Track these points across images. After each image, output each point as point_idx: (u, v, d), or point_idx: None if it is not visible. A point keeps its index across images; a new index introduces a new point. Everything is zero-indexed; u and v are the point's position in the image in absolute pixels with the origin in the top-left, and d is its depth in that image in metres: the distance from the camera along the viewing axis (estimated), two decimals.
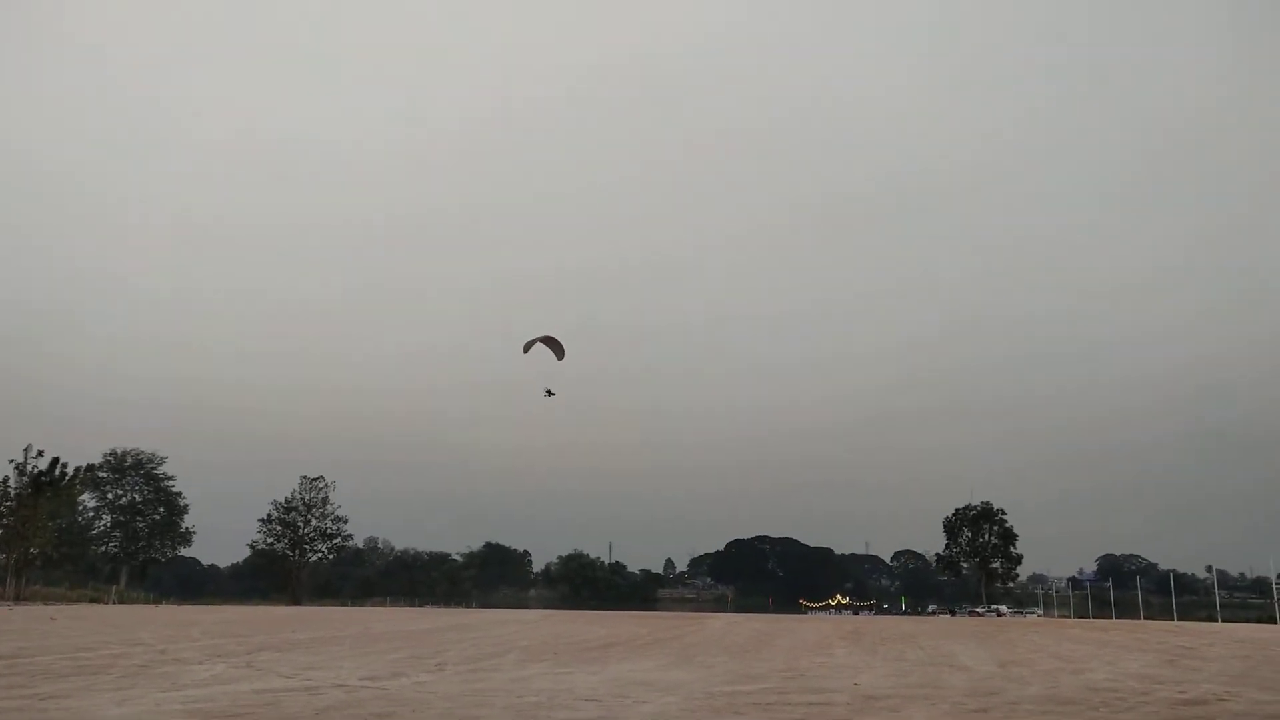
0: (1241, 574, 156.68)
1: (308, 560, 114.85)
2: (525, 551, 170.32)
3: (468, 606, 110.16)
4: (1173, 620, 77.18)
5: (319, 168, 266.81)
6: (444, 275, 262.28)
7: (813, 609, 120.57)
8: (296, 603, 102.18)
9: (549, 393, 32.36)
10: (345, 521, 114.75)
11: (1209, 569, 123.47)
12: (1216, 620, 76.29)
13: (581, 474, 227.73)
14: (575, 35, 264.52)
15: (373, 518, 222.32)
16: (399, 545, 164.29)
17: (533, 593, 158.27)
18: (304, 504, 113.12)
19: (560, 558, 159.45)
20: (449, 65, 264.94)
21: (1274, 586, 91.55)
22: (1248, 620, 78.57)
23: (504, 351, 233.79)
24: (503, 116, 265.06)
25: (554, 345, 30.60)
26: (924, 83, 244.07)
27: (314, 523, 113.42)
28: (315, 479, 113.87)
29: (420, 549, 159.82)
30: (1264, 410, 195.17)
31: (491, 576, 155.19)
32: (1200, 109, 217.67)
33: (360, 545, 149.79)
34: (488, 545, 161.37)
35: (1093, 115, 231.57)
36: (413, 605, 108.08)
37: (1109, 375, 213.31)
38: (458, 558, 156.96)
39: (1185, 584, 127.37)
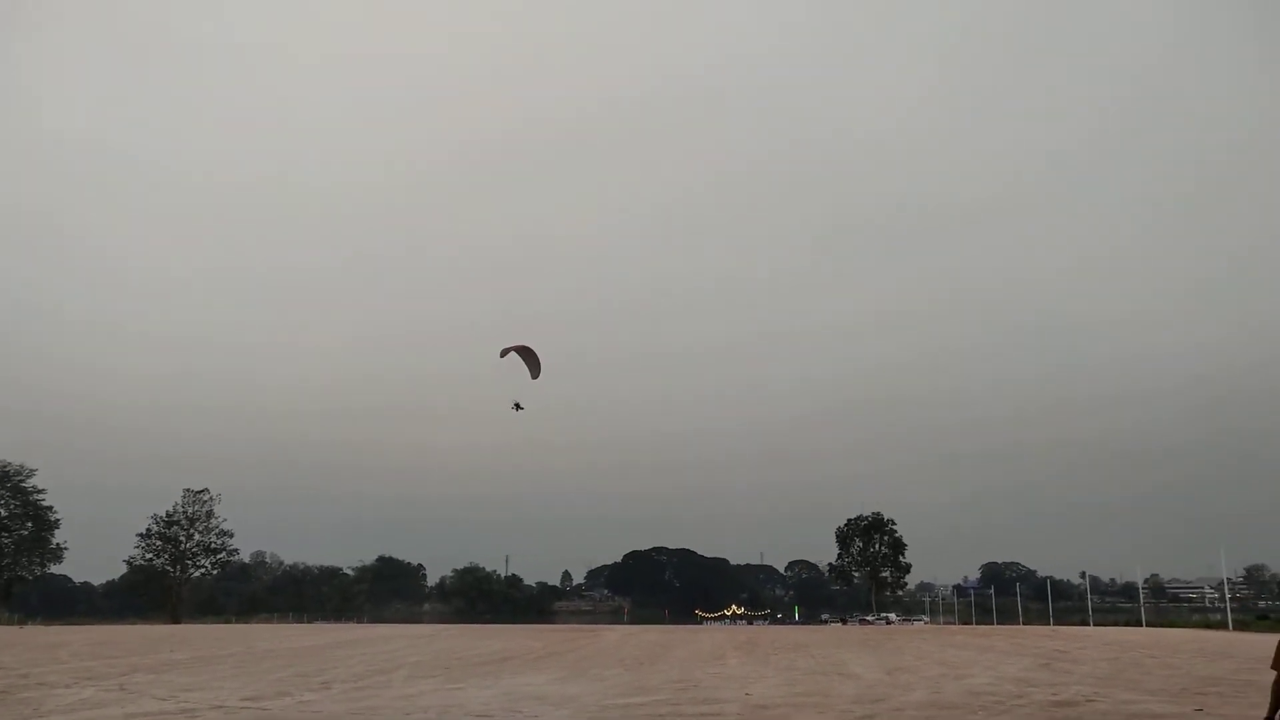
0: (1113, 579, 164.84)
1: (189, 576, 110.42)
2: (420, 565, 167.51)
3: (359, 622, 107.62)
4: (1049, 625, 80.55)
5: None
6: (333, 283, 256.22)
7: (708, 619, 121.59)
8: (176, 621, 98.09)
9: (517, 406, 31.26)
10: (231, 535, 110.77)
11: (1083, 575, 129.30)
12: (1089, 624, 79.96)
13: (478, 485, 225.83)
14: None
15: (260, 531, 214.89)
16: (288, 559, 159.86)
17: (427, 607, 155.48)
18: (187, 518, 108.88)
19: (455, 571, 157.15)
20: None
21: (1141, 591, 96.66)
22: (1117, 624, 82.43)
23: (397, 358, 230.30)
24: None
25: (530, 359, 29.58)
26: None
27: (197, 537, 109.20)
28: (199, 492, 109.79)
29: (310, 563, 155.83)
30: (1138, 425, 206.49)
31: (384, 591, 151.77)
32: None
33: (246, 560, 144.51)
34: (381, 558, 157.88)
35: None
36: (301, 621, 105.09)
37: (989, 385, 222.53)
38: (349, 572, 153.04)
39: (1061, 590, 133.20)
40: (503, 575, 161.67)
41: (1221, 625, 64.63)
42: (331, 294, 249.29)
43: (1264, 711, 6.37)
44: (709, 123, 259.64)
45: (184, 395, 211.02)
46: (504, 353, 29.11)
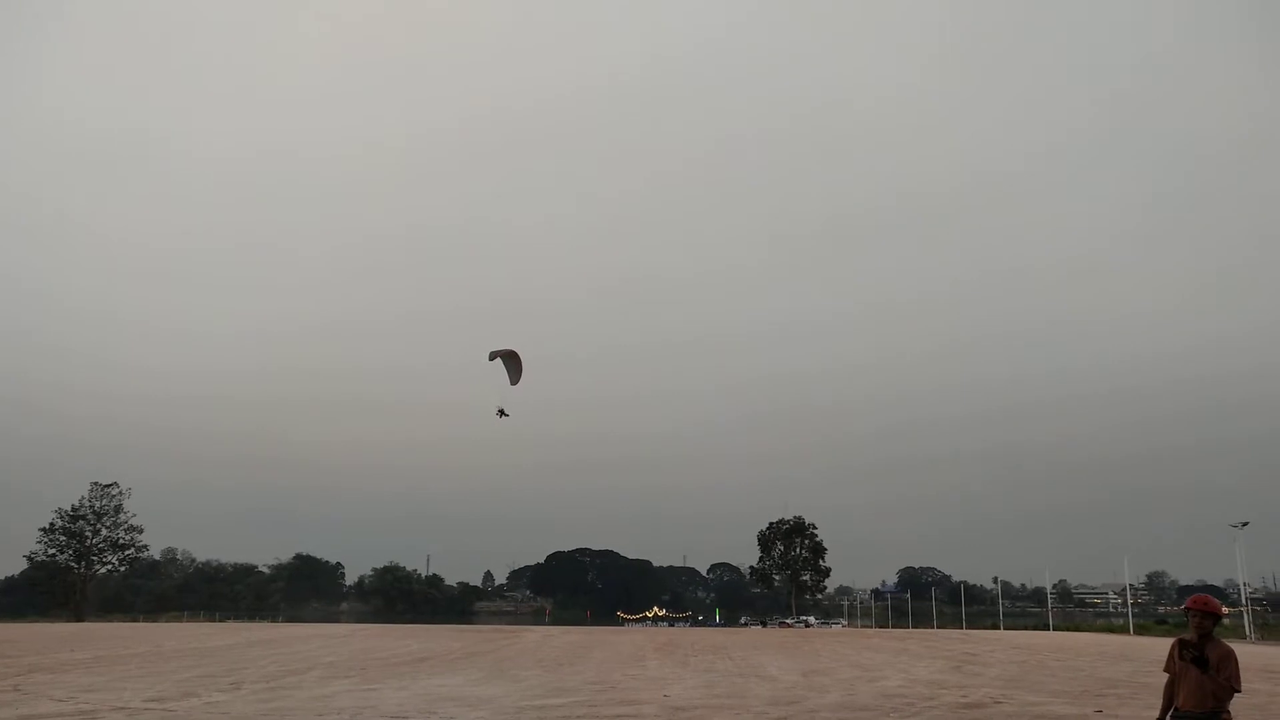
0: (1023, 585, 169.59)
1: (95, 573, 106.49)
2: (338, 563, 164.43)
3: (274, 621, 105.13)
4: (962, 628, 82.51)
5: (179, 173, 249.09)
6: (248, 270, 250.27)
7: (630, 621, 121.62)
8: (80, 619, 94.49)
9: (501, 413, 30.24)
10: (140, 531, 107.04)
11: (995, 581, 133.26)
12: (1000, 628, 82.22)
13: (399, 485, 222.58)
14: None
15: (172, 528, 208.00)
16: (201, 556, 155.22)
17: (345, 606, 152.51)
18: (94, 512, 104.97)
19: (375, 570, 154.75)
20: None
21: (1049, 596, 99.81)
22: (1026, 627, 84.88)
23: (316, 355, 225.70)
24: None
25: (512, 365, 28.65)
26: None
27: (104, 532, 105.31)
28: (108, 485, 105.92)
29: (224, 560, 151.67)
30: (1051, 439, 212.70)
31: (301, 589, 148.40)
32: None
33: (156, 557, 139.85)
34: (298, 556, 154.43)
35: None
36: (213, 620, 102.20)
37: (911, 397, 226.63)
38: (265, 570, 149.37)
39: (975, 595, 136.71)
40: (423, 575, 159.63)
41: (1123, 629, 67.02)
42: (245, 280, 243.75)
43: (1156, 712, 6.61)
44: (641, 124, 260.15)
45: (94, 384, 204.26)
46: (492, 356, 28.34)
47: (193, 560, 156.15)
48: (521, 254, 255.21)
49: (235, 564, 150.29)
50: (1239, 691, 6.23)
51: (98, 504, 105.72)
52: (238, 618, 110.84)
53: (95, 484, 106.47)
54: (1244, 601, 58.20)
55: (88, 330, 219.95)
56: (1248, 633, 52.37)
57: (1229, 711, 6.23)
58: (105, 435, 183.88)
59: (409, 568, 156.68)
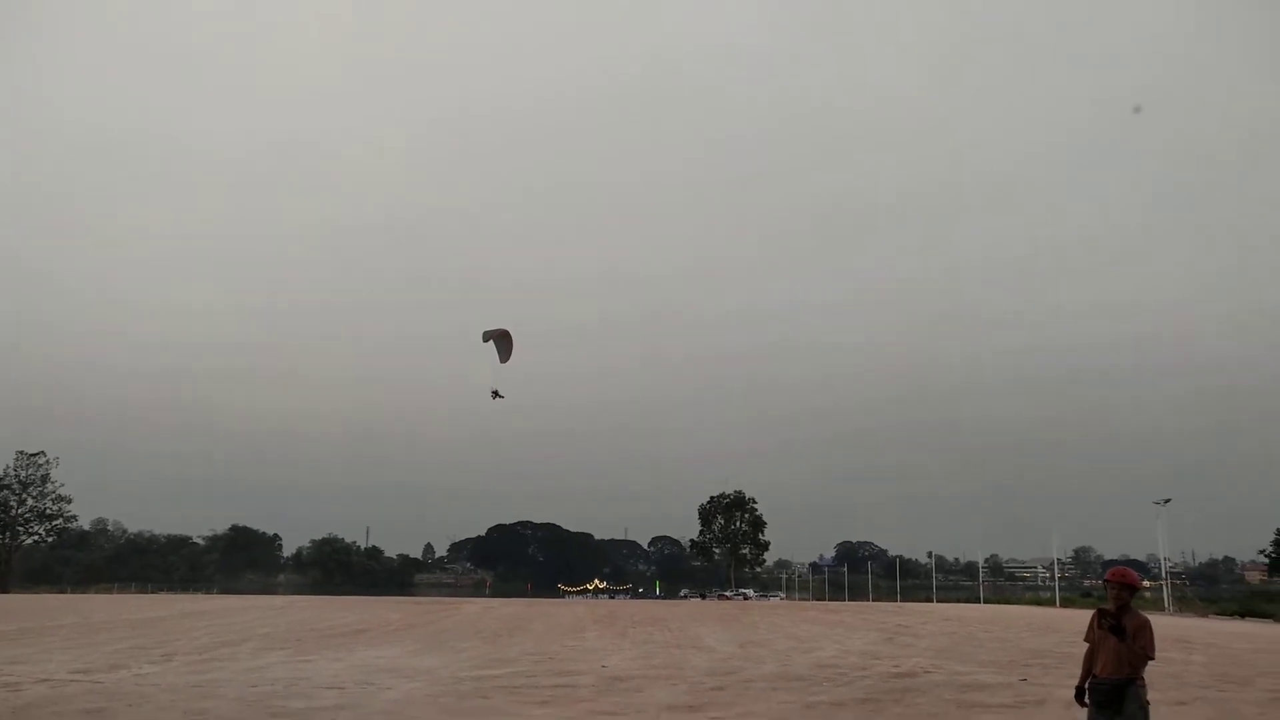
0: (956, 559, 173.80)
1: (20, 543, 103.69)
2: (275, 535, 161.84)
3: (208, 593, 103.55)
4: (896, 601, 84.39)
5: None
6: (189, 238, 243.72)
7: (571, 593, 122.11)
8: (4, 591, 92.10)
9: (495, 394, 29.52)
10: (69, 501, 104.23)
11: (930, 555, 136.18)
12: (933, 601, 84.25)
13: (339, 456, 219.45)
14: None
15: (103, 498, 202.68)
16: (132, 527, 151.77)
17: (282, 578, 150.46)
18: (19, 482, 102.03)
19: (313, 541, 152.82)
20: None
21: (981, 570, 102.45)
22: (958, 600, 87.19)
23: (252, 315, 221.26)
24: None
25: (503, 345, 27.97)
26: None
27: (30, 502, 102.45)
28: (34, 454, 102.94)
29: (157, 531, 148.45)
30: (985, 416, 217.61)
31: (237, 561, 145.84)
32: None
33: (86, 527, 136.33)
34: (233, 528, 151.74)
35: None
36: (145, 592, 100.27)
37: (851, 374, 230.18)
38: (199, 541, 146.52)
39: (910, 568, 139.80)
40: (363, 546, 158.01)
41: (1050, 602, 69.12)
42: (186, 248, 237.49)
43: (1077, 680, 6.83)
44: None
45: (28, 347, 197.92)
46: (486, 336, 27.78)
47: (124, 531, 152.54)
48: (480, 241, 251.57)
49: (168, 535, 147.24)
50: (1152, 659, 6.47)
51: (23, 473, 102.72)
52: (170, 590, 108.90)
53: (20, 453, 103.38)
54: (1164, 575, 60.26)
55: (11, 290, 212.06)
56: (1166, 605, 54.34)
57: (1143, 678, 6.47)
58: (30, 401, 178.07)
59: (348, 540, 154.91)
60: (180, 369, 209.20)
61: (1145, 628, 6.46)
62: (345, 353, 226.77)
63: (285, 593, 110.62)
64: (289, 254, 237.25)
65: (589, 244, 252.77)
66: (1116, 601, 6.67)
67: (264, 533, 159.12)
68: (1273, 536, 66.03)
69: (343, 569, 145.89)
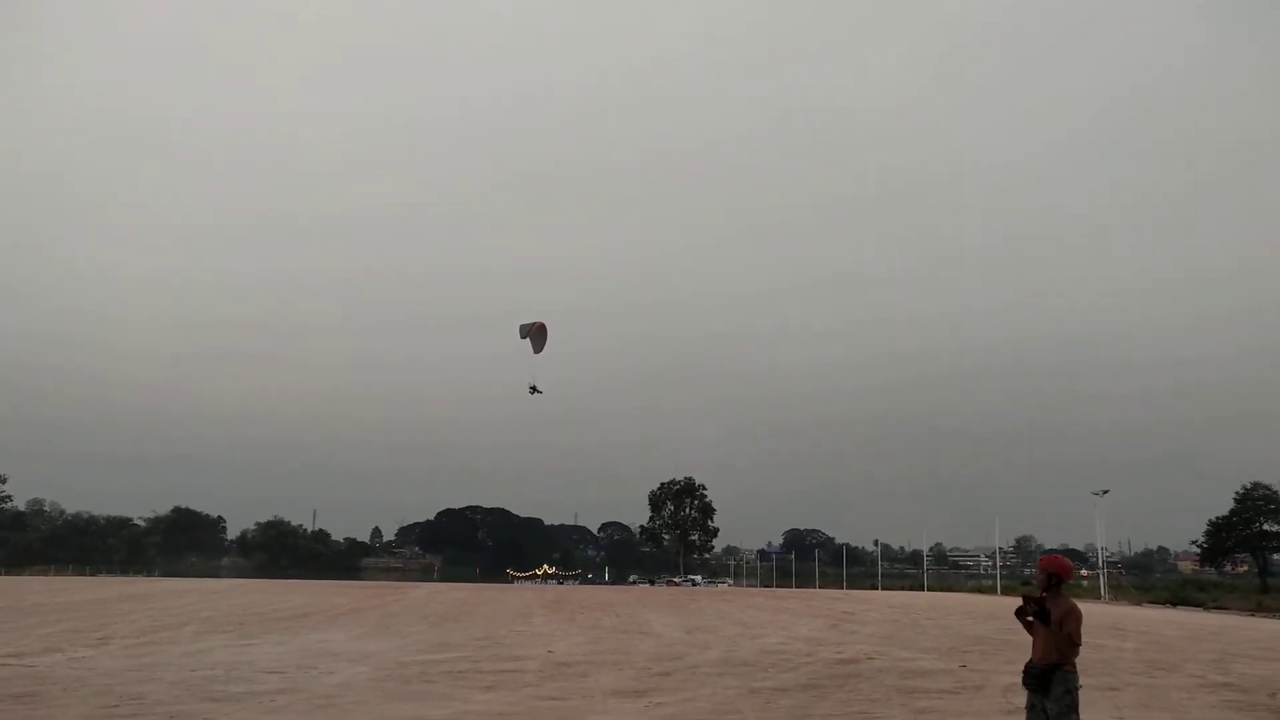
0: (902, 547, 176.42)
1: None
2: (219, 517, 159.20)
3: (149, 576, 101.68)
4: (842, 588, 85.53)
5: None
6: (135, 212, 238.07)
7: (520, 578, 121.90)
8: None
9: (534, 389, 28.86)
10: (3, 480, 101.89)
11: (876, 543, 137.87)
12: (878, 588, 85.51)
13: (285, 434, 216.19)
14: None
15: (39, 477, 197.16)
16: (70, 508, 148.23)
17: (226, 561, 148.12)
18: None
19: (259, 524, 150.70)
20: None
21: (925, 558, 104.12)
22: (903, 588, 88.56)
23: (201, 295, 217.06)
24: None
25: (539, 339, 27.42)
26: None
27: None
28: None
29: (96, 512, 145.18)
30: (932, 407, 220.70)
31: (179, 543, 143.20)
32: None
33: (21, 508, 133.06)
34: (176, 510, 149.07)
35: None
36: (83, 574, 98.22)
37: (801, 363, 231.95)
38: (140, 523, 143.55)
39: (856, 556, 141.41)
40: (309, 530, 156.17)
41: (992, 590, 70.55)
42: (128, 223, 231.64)
43: (1018, 665, 6.95)
44: None
45: None
46: (524, 331, 27.25)
47: (62, 512, 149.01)
48: (432, 229, 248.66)
49: (108, 516, 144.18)
50: (1078, 645, 6.59)
51: None
52: (110, 572, 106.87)
53: None
54: (1101, 564, 61.83)
55: None
56: (1102, 593, 55.76)
57: (1073, 664, 6.60)
58: None
59: (294, 522, 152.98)
60: (121, 348, 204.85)
61: (1071, 614, 6.60)
62: (294, 334, 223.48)
63: (229, 576, 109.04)
64: (233, 234, 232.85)
65: (545, 234, 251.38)
66: (1044, 588, 6.83)
67: (208, 515, 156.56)
68: (1205, 528, 67.99)
69: (288, 552, 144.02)
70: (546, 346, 27.26)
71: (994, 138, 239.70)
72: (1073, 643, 6.55)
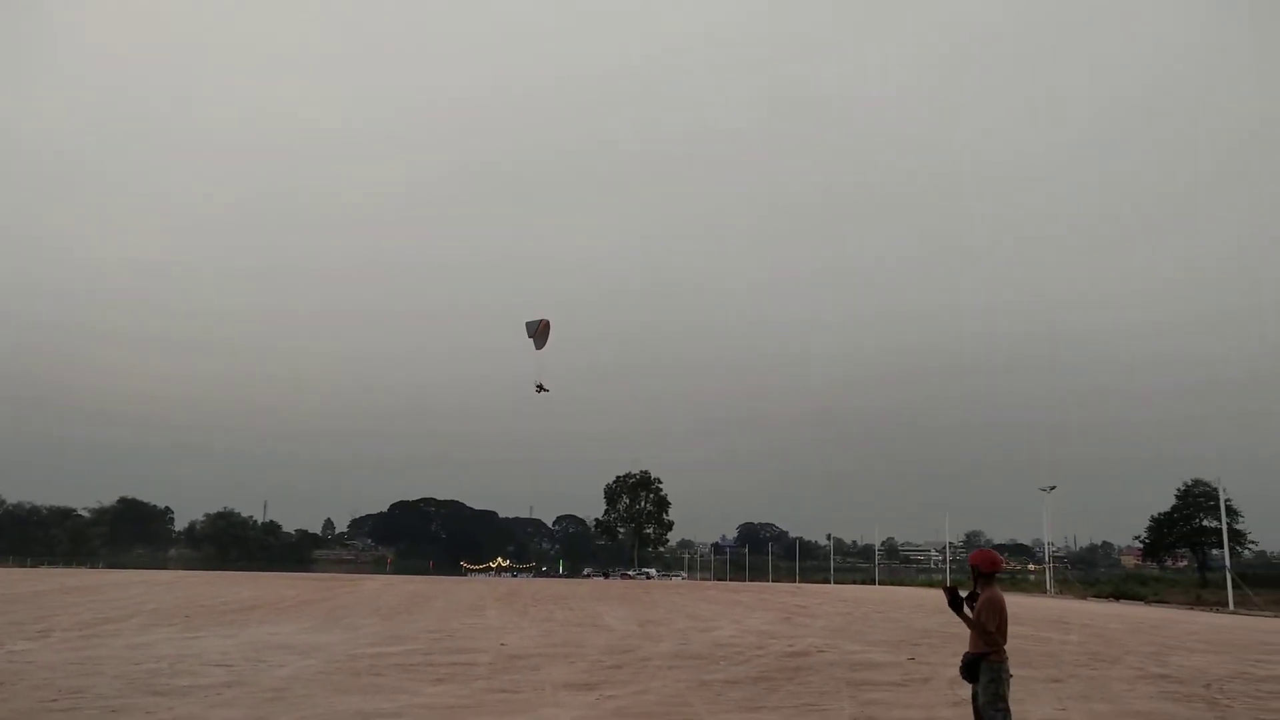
0: (854, 541, 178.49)
1: None
2: (167, 508, 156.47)
3: (94, 567, 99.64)
4: (795, 582, 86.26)
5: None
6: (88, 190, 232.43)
7: (473, 571, 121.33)
8: None
9: (540, 388, 28.38)
10: None
11: (829, 537, 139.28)
12: (830, 582, 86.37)
13: (237, 426, 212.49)
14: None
15: None
16: (11, 498, 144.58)
17: (173, 553, 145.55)
18: None
19: (208, 515, 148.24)
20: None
21: (877, 552, 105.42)
22: (855, 581, 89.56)
23: (147, 273, 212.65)
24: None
25: (543, 335, 27.00)
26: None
27: None
28: None
29: (39, 503, 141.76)
30: (885, 404, 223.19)
31: (125, 535, 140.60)
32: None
33: None
34: (122, 500, 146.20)
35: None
36: (24, 566, 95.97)
37: (757, 358, 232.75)
38: (85, 513, 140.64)
39: (809, 550, 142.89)
40: (260, 521, 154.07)
41: (942, 584, 71.53)
42: (81, 201, 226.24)
43: (959, 659, 7.05)
44: None
45: None
46: (532, 329, 26.84)
47: (2, 502, 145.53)
48: (386, 218, 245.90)
49: (51, 507, 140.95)
50: (992, 633, 6.69)
51: None
52: (52, 564, 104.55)
53: None
54: (1048, 559, 62.99)
55: None
56: (1049, 587, 56.85)
57: (999, 653, 6.69)
58: None
59: (244, 514, 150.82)
60: (66, 334, 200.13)
61: (988, 604, 6.74)
62: (245, 320, 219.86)
63: (176, 568, 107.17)
64: (171, 212, 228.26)
65: (497, 224, 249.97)
66: (974, 579, 6.99)
67: (155, 505, 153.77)
68: (1148, 524, 69.60)
69: (238, 544, 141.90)
70: (546, 345, 27.15)
71: (971, 140, 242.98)
72: (986, 631, 6.68)
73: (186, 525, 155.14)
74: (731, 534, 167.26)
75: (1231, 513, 54.87)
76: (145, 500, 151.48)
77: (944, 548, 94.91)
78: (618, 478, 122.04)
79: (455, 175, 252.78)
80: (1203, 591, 49.01)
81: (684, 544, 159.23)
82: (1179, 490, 67.17)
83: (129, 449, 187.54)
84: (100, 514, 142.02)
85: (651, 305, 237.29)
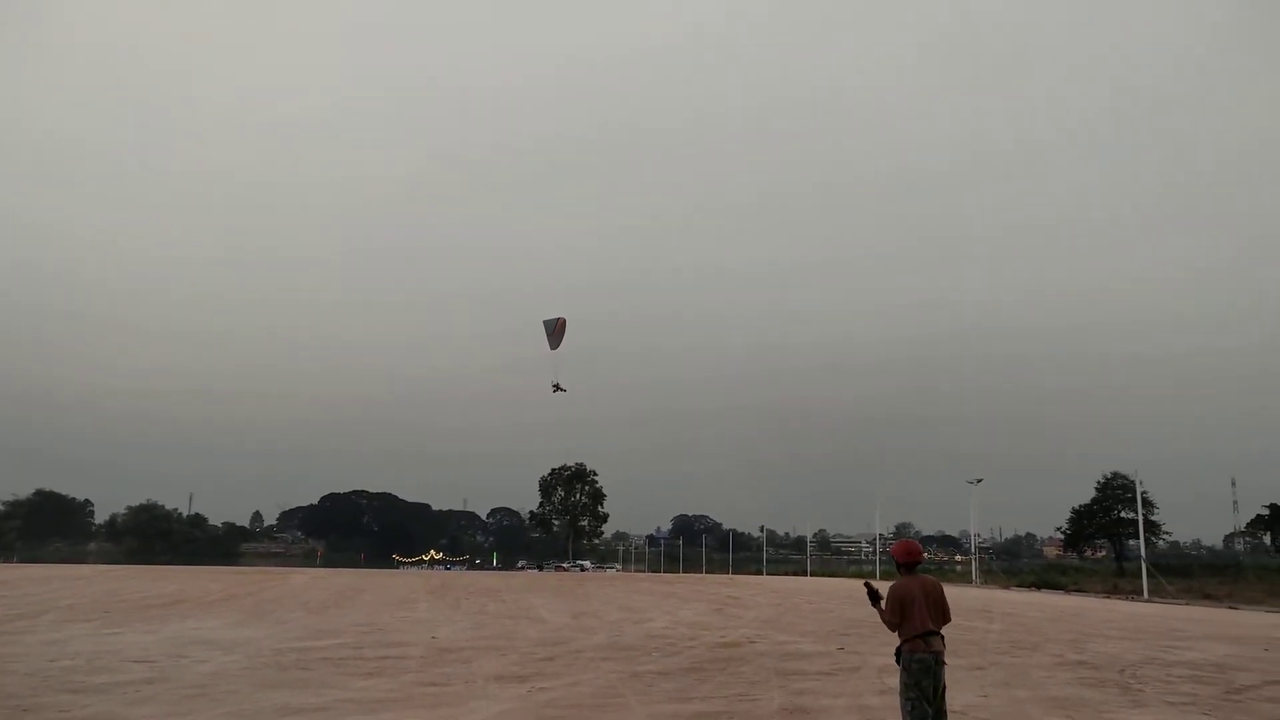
0: (787, 533, 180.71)
1: None
2: (86, 500, 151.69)
3: (8, 562, 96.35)
4: (729, 574, 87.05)
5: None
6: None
7: (405, 564, 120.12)
8: None
9: (557, 388, 27.51)
10: None
11: (762, 529, 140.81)
12: (763, 574, 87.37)
13: (160, 415, 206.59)
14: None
15: None
16: None
17: (93, 546, 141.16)
18: None
19: (130, 508, 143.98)
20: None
21: (809, 544, 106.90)
22: (787, 573, 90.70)
23: (67, 271, 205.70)
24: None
25: (558, 334, 26.25)
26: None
27: None
28: None
29: None
30: (816, 397, 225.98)
31: (42, 528, 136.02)
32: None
33: None
34: (38, 493, 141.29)
35: None
36: None
37: (690, 349, 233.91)
38: None
39: (742, 542, 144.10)
40: (185, 514, 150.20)
41: (872, 575, 72.85)
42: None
43: (888, 649, 7.20)
44: None
45: None
46: (550, 328, 26.15)
47: None
48: (331, 205, 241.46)
49: None
50: (885, 622, 6.95)
51: None
52: None
53: None
54: (974, 550, 64.55)
55: None
56: (974, 577, 58.25)
57: (909, 641, 6.80)
58: None
59: (169, 506, 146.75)
60: None
61: (888, 593, 6.95)
62: (171, 303, 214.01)
63: (96, 562, 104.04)
64: (113, 202, 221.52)
65: (444, 214, 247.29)
66: (899, 571, 7.15)
67: (74, 498, 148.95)
68: (1069, 516, 71.67)
69: (162, 537, 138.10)
70: (544, 343, 26.90)
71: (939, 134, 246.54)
72: (882, 619, 6.88)
73: (107, 518, 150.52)
74: (666, 526, 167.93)
75: (1147, 504, 56.71)
76: (63, 492, 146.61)
77: (874, 539, 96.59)
78: (553, 470, 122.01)
79: (416, 165, 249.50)
80: (1120, 581, 50.68)
81: (619, 536, 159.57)
82: (1098, 483, 69.25)
83: (46, 439, 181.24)
84: (15, 506, 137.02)
85: (586, 298, 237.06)
